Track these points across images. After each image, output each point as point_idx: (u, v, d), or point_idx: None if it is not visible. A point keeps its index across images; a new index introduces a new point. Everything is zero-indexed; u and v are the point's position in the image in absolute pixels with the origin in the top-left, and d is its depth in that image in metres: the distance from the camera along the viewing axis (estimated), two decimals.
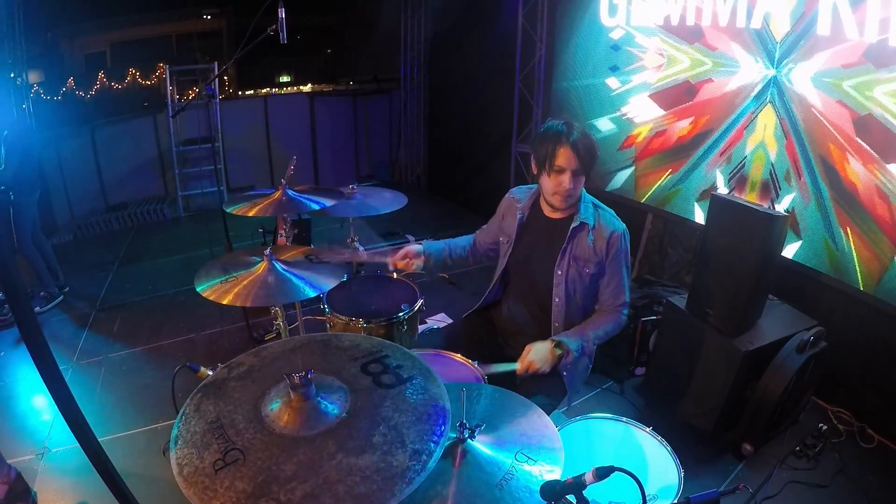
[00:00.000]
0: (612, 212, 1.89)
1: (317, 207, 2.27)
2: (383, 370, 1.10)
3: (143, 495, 1.21)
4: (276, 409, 1.00)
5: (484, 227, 2.14)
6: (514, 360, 1.80)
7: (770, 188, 2.84)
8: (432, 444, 0.92)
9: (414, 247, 2.01)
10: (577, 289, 1.86)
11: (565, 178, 1.74)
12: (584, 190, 1.86)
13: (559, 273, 1.85)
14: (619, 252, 1.83)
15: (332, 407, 1.00)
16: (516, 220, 1.95)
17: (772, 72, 2.73)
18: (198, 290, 1.78)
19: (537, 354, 1.75)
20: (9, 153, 3.40)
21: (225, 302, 1.73)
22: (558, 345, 1.77)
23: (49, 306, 3.80)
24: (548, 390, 1.81)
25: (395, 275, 2.64)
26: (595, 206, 1.88)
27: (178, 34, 7.71)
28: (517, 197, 2.00)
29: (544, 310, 1.92)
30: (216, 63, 5.78)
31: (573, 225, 1.82)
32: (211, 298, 1.75)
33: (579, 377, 1.97)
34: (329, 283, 1.85)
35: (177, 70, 5.81)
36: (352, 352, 1.16)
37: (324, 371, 1.08)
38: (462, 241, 2.15)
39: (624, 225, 1.86)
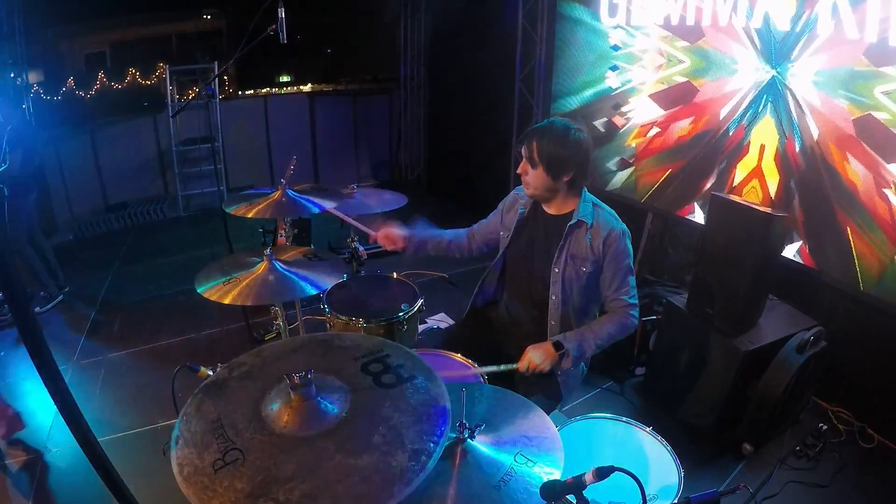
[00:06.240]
0: (614, 212, 1.89)
1: (317, 210, 2.27)
2: (384, 369, 1.09)
3: (143, 495, 1.21)
4: (276, 409, 1.00)
5: (482, 220, 2.15)
6: (512, 359, 1.81)
7: (769, 188, 2.84)
8: (431, 445, 0.92)
9: (397, 231, 2.09)
10: (573, 288, 1.87)
11: (522, 166, 1.85)
12: (585, 190, 1.87)
13: (556, 271, 1.86)
14: (618, 252, 1.82)
15: (332, 407, 1.00)
16: (517, 214, 1.98)
17: (772, 71, 2.73)
18: (198, 290, 1.78)
19: (537, 353, 1.78)
20: (11, 153, 3.39)
21: (227, 301, 1.73)
22: (557, 345, 1.79)
23: (49, 306, 3.80)
24: (545, 391, 1.82)
25: (394, 275, 2.64)
26: (595, 205, 1.88)
27: (178, 34, 7.70)
28: (522, 193, 2.02)
29: (541, 308, 1.92)
30: (216, 63, 5.77)
31: (570, 223, 1.83)
32: (213, 298, 1.75)
33: (575, 380, 1.97)
34: (329, 282, 1.86)
35: (177, 70, 5.80)
36: (353, 351, 1.15)
37: (324, 371, 1.08)
38: (449, 234, 2.17)
39: (624, 225, 1.86)
